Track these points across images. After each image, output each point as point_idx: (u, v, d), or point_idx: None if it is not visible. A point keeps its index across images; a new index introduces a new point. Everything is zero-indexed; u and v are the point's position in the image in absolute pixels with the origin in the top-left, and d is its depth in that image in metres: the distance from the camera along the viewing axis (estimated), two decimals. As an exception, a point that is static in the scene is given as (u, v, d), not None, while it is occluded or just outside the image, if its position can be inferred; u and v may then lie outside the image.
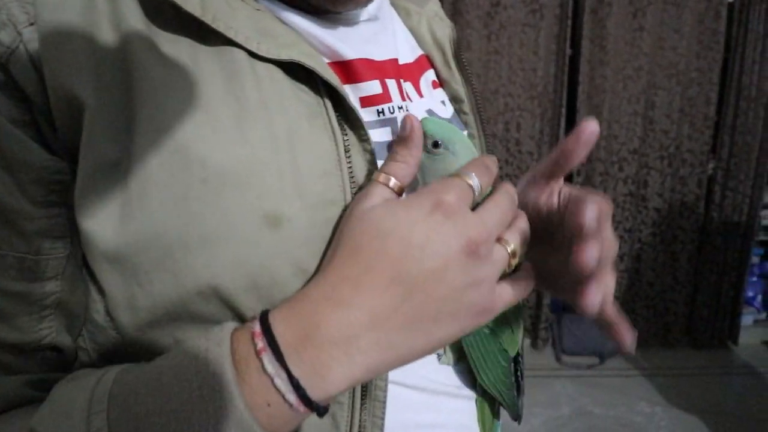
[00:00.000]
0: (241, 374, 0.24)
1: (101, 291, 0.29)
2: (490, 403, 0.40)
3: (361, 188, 0.31)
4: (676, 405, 1.91)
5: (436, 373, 0.37)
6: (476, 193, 0.30)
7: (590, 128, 0.33)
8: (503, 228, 0.30)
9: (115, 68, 0.27)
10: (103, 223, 0.27)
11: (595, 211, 0.30)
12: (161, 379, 0.24)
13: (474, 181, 0.29)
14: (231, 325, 0.26)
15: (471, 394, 0.40)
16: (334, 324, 0.25)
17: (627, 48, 2.09)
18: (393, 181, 0.30)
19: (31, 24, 0.26)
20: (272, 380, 0.24)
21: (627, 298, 2.28)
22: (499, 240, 0.29)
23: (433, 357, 0.37)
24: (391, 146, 0.35)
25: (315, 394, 0.25)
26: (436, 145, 0.33)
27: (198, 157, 0.27)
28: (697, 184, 2.19)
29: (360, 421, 0.32)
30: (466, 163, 0.33)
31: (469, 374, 0.39)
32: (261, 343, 0.25)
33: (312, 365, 0.25)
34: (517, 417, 0.41)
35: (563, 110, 2.14)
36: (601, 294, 0.31)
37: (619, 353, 2.21)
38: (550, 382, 2.05)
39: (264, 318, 0.26)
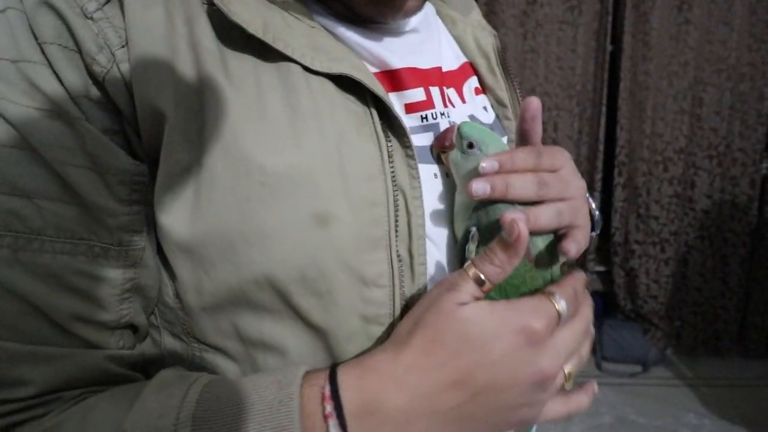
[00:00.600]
0: (307, 430, 0.28)
1: (173, 276, 0.33)
2: None
3: (403, 193, 0.34)
4: (726, 417, 1.81)
5: None
6: (562, 319, 0.31)
7: (532, 104, 0.35)
8: (572, 355, 0.32)
9: (190, 85, 0.31)
10: (177, 219, 0.31)
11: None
12: (240, 418, 0.27)
13: (563, 307, 0.31)
14: (301, 371, 0.29)
15: None
16: (395, 406, 0.29)
17: (672, 43, 2.01)
18: (484, 281, 0.31)
19: (123, 46, 0.30)
20: None
21: (673, 303, 2.18)
22: None
23: None
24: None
25: None
26: (470, 145, 0.35)
27: (258, 162, 0.31)
28: (749, 184, 2.07)
29: None
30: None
31: None
32: (329, 407, 0.28)
33: None
34: None
35: (603, 108, 2.07)
36: (574, 243, 0.34)
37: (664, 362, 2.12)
38: (589, 390, 1.98)
39: (333, 379, 0.29)
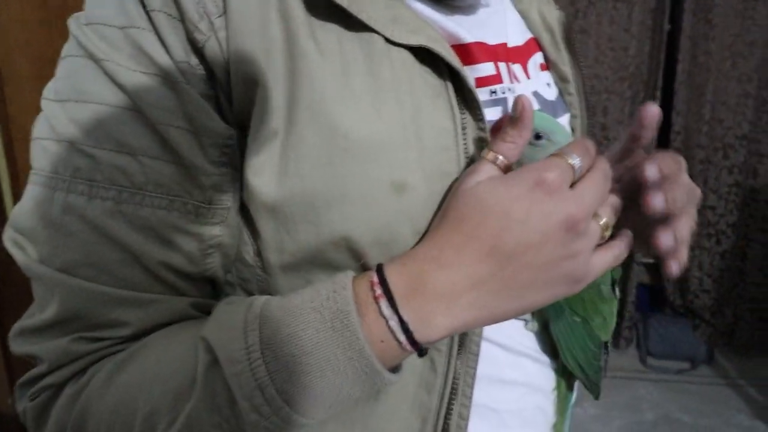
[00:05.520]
0: (361, 315, 0.29)
1: (255, 235, 0.35)
2: (567, 378, 0.44)
3: (471, 163, 0.35)
4: (782, 421, 1.71)
5: (522, 336, 0.41)
6: (576, 173, 0.32)
7: (651, 112, 0.35)
8: (599, 204, 0.32)
9: (281, 53, 0.32)
10: (265, 180, 0.33)
11: (654, 165, 0.34)
12: (301, 311, 0.29)
13: (575, 160, 0.31)
14: (351, 273, 0.31)
15: (548, 360, 0.43)
16: (438, 282, 0.30)
17: (737, 21, 1.86)
18: (500, 159, 0.32)
19: (220, 16, 0.32)
20: (387, 321, 0.29)
21: (729, 299, 2.06)
22: (593, 215, 0.32)
23: (521, 322, 0.41)
24: (496, 124, 0.38)
25: (420, 336, 0.30)
26: (538, 136, 0.35)
27: (342, 130, 0.32)
28: (820, 174, 1.92)
29: (455, 369, 0.36)
30: None
31: (549, 344, 0.42)
32: (379, 290, 0.30)
33: (418, 313, 0.29)
34: (598, 396, 0.45)
35: (658, 93, 1.96)
36: (671, 234, 0.34)
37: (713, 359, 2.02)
38: (632, 385, 1.92)
39: (380, 270, 0.31)
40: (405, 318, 0.29)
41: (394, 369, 0.32)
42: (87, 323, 0.32)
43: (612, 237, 0.34)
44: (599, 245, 0.32)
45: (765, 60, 1.88)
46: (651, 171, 0.33)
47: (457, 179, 0.34)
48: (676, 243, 0.34)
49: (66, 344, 0.32)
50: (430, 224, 0.34)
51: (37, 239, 0.32)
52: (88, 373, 0.32)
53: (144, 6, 0.32)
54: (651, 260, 2.16)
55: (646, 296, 2.18)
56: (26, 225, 0.32)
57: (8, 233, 0.33)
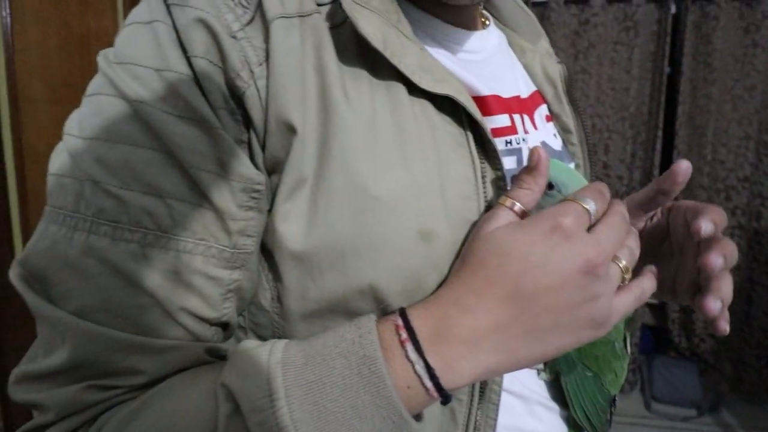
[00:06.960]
0: (387, 359, 0.29)
1: (277, 281, 0.35)
2: (576, 429, 0.44)
3: (489, 209, 0.35)
4: (794, 474, 1.64)
5: (535, 385, 0.42)
6: (592, 217, 0.32)
7: (684, 167, 0.36)
8: (618, 247, 0.32)
9: (314, 104, 0.33)
10: (293, 227, 0.33)
11: (710, 221, 0.35)
12: (325, 357, 0.29)
13: (590, 205, 0.32)
14: (373, 316, 0.31)
15: (558, 408, 0.43)
16: (460, 326, 0.30)
17: (737, 66, 1.90)
18: (517, 206, 0.33)
19: (261, 65, 0.33)
20: (413, 366, 0.29)
21: (735, 345, 2.02)
22: (612, 258, 0.32)
23: (534, 372, 0.42)
24: (516, 175, 0.39)
25: (445, 382, 0.29)
26: (550, 186, 0.36)
27: (372, 180, 0.33)
28: (824, 218, 1.91)
29: (476, 419, 0.36)
30: None
31: (559, 393, 0.43)
32: (404, 334, 0.30)
33: (443, 358, 0.29)
34: None
35: (659, 132, 1.98)
36: (719, 301, 0.35)
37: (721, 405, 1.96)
38: (637, 431, 1.86)
39: (403, 314, 0.31)
40: (431, 363, 0.29)
41: (416, 417, 0.31)
42: (99, 371, 0.31)
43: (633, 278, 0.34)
44: (621, 287, 0.32)
45: (765, 104, 1.91)
46: (706, 227, 0.34)
47: (475, 224, 0.35)
48: (722, 305, 0.35)
49: (75, 392, 0.30)
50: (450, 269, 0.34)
51: (51, 280, 0.31)
52: (98, 422, 0.31)
53: (185, 51, 0.32)
54: (655, 302, 2.13)
55: (650, 338, 2.14)
56: (39, 264, 0.31)
57: (16, 269, 0.32)
